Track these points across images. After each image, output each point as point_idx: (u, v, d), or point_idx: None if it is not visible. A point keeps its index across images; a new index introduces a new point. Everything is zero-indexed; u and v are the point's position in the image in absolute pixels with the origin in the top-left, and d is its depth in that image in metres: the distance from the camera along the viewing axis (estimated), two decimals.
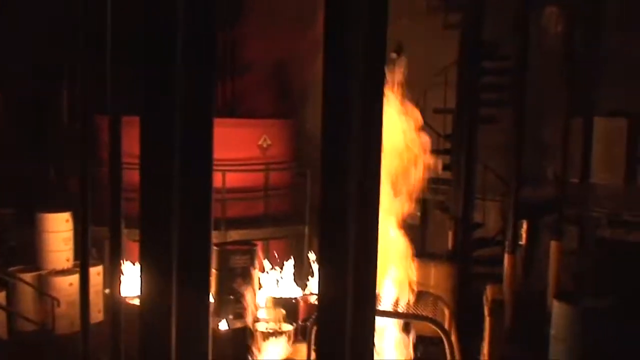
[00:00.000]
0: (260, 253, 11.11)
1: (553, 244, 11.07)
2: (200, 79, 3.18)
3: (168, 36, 3.13)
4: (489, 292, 6.33)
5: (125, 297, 8.46)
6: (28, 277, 11.37)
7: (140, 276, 2.92)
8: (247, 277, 10.14)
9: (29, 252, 11.95)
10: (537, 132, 11.71)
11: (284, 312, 10.32)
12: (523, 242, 11.49)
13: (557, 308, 8.14)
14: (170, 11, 3.22)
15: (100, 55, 6.68)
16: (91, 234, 7.05)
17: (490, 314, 6.00)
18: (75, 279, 11.24)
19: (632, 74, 10.81)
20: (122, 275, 6.74)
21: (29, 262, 11.75)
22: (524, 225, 11.49)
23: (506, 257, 10.83)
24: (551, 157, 11.57)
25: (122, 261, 6.62)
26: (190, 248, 3.05)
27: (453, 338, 6.71)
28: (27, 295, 11.27)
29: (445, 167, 11.42)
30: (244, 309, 9.87)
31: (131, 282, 10.09)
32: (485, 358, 6.00)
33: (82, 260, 7.06)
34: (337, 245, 3.33)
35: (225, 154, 11.85)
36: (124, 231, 6.49)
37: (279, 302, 10.75)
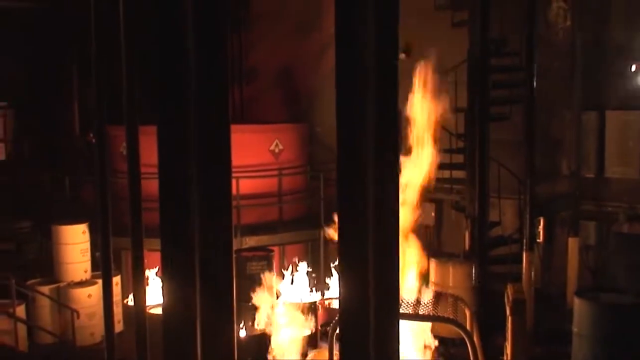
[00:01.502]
0: (276, 258, 11.09)
1: (571, 240, 11.00)
2: (214, 85, 3.18)
3: (180, 45, 3.13)
4: (509, 291, 6.28)
5: (146, 307, 8.47)
6: (46, 289, 11.42)
7: (163, 285, 2.91)
8: (264, 283, 10.12)
9: (47, 264, 12.00)
10: (549, 128, 11.65)
11: (302, 317, 10.29)
12: (540, 239, 11.42)
13: (578, 305, 8.07)
14: (182, 20, 3.22)
15: (113, 66, 6.70)
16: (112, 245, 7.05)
17: (513, 313, 5.95)
18: (93, 290, 11.29)
19: None
20: (145, 284, 6.75)
21: (47, 275, 11.80)
22: (541, 222, 11.42)
23: (524, 255, 10.75)
24: (565, 152, 11.50)
25: (144, 271, 6.63)
26: (212, 256, 3.05)
27: (475, 338, 6.67)
28: (45, 308, 11.32)
29: (459, 166, 11.37)
30: (262, 315, 9.86)
31: (151, 291, 10.11)
32: (509, 358, 5.96)
33: (104, 271, 7.07)
34: (357, 249, 3.30)
35: (238, 161, 11.78)
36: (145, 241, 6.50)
37: (297, 307, 10.72)
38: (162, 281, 2.97)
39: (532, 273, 10.60)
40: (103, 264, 7.02)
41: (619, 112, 11.18)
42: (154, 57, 3.12)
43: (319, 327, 9.86)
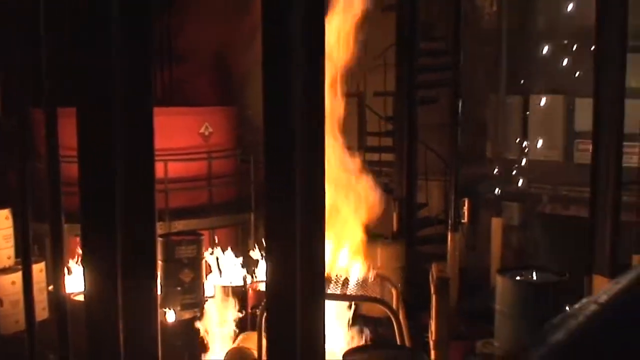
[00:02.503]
0: (206, 242, 11.02)
1: (494, 221, 11.30)
2: (138, 66, 3.13)
3: (103, 24, 3.07)
4: (434, 270, 6.43)
5: (71, 294, 8.30)
6: None
7: (84, 272, 2.87)
8: (194, 267, 10.05)
9: None
10: (475, 112, 11.90)
11: (232, 300, 10.27)
12: (465, 220, 11.70)
13: (500, 283, 8.31)
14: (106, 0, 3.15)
15: (34, 46, 6.50)
16: (32, 231, 6.88)
17: (437, 292, 6.10)
18: (17, 277, 10.97)
19: (564, 52, 11.06)
20: (65, 271, 6.61)
21: None
22: (466, 204, 11.69)
23: (449, 235, 11.01)
24: (490, 135, 11.78)
25: (64, 257, 6.49)
26: (135, 241, 3.02)
27: (401, 317, 6.80)
28: None
29: (388, 149, 11.52)
30: (191, 299, 9.79)
31: (75, 278, 9.90)
32: (433, 336, 6.11)
33: (24, 258, 6.90)
34: (284, 232, 3.33)
35: (166, 143, 11.69)
36: (65, 226, 6.35)
37: (227, 291, 10.69)
38: (83, 267, 2.92)
39: (457, 253, 10.87)
40: (23, 251, 6.85)
41: (542, 96, 11.51)
42: (76, 37, 3.05)
43: (249, 311, 9.87)
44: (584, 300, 1.13)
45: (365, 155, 12.46)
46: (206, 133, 13.70)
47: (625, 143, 7.66)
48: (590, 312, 1.09)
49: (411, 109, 10.84)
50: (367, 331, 8.37)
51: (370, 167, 12.43)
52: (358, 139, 12.82)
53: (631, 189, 8.33)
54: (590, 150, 7.77)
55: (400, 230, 10.82)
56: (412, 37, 10.82)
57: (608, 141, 7.43)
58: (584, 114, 10.08)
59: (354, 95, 12.31)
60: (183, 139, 13.11)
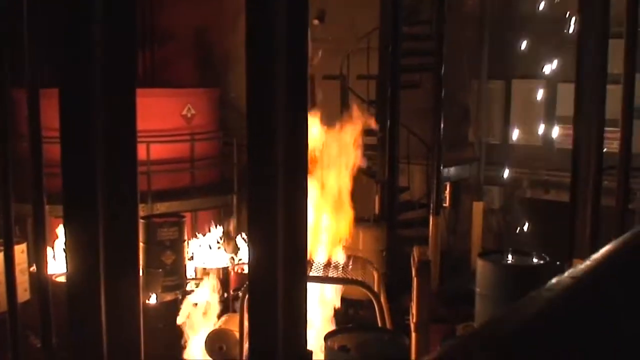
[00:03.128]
0: (188, 224, 11.02)
1: (475, 205, 11.39)
2: (120, 46, 3.11)
3: (85, 3, 3.04)
4: (415, 253, 6.48)
5: (52, 275, 8.27)
6: None
7: (66, 253, 2.87)
8: (176, 249, 10.06)
9: None
10: (458, 96, 11.94)
11: (215, 282, 10.29)
12: (447, 204, 11.77)
13: (481, 266, 8.40)
14: None
15: (16, 25, 6.43)
16: (13, 212, 6.84)
17: (418, 275, 6.15)
18: None
19: (547, 37, 11.11)
20: (47, 252, 6.59)
21: None
22: (447, 187, 11.76)
23: (431, 218, 11.09)
24: (472, 120, 11.83)
25: (46, 238, 6.47)
26: (117, 222, 3.02)
27: (382, 300, 6.85)
28: None
29: (370, 133, 11.53)
30: (173, 281, 9.81)
31: (58, 259, 9.86)
32: (414, 318, 6.17)
33: (6, 239, 6.87)
34: (267, 214, 3.34)
35: (149, 125, 11.62)
36: (47, 208, 6.33)
37: (210, 273, 10.70)
38: (65, 249, 2.91)
39: (439, 236, 10.94)
40: (5, 231, 6.81)
41: (524, 80, 11.57)
42: (58, 16, 3.02)
43: (231, 292, 9.90)
44: (563, 275, 1.15)
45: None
46: (189, 115, 13.65)
47: (606, 128, 7.73)
48: (564, 286, 1.11)
49: (394, 93, 10.85)
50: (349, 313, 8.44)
51: None
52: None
53: (611, 174, 8.41)
54: (571, 136, 7.84)
55: (382, 214, 10.87)
56: (396, 21, 10.82)
57: (589, 126, 7.49)
58: (566, 99, 10.15)
59: (337, 78, 12.31)
60: (165, 121, 13.05)
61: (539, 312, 1.02)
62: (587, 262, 1.25)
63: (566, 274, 1.02)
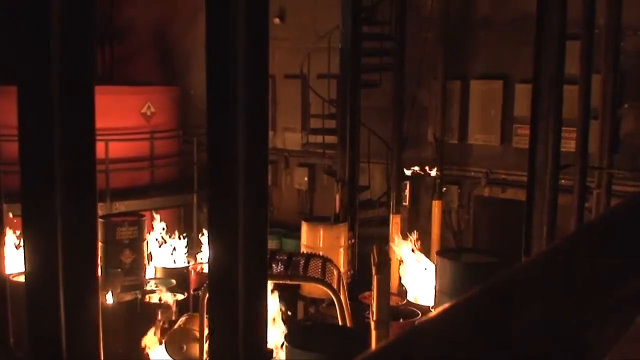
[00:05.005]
0: (148, 223, 10.92)
1: (434, 204, 11.49)
2: (78, 43, 3.08)
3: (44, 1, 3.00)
4: (375, 251, 6.53)
5: (10, 275, 8.13)
6: None
7: (25, 253, 2.83)
8: (135, 248, 9.97)
9: None
10: (417, 96, 12.03)
11: (174, 282, 10.24)
12: (406, 202, 11.86)
13: (440, 264, 8.50)
14: None
15: None
16: None
17: (378, 273, 6.21)
18: None
19: (505, 38, 11.26)
20: (4, 251, 6.47)
21: None
22: (407, 187, 11.85)
23: (391, 217, 11.17)
24: (431, 120, 11.93)
25: (4, 237, 6.36)
26: (75, 222, 2.98)
27: (343, 298, 6.89)
28: None
29: (331, 132, 11.58)
30: (132, 281, 9.72)
31: (16, 258, 9.70)
32: (374, 316, 6.22)
33: None
34: (227, 213, 3.34)
35: (108, 123, 11.48)
36: (5, 206, 6.22)
37: (170, 273, 10.64)
38: (24, 248, 2.88)
39: (398, 235, 11.04)
40: None
41: (482, 81, 11.70)
42: (15, 13, 2.98)
43: (192, 292, 9.85)
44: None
45: (309, 138, 12.51)
46: (148, 113, 13.53)
47: (563, 128, 7.86)
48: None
49: (354, 92, 10.91)
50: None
51: (314, 149, 12.54)
52: (302, 121, 12.85)
53: (568, 173, 8.56)
54: (529, 135, 7.95)
55: (343, 213, 10.92)
56: (356, 20, 10.87)
57: (546, 126, 7.61)
58: (523, 99, 10.30)
59: (298, 77, 12.33)
60: (125, 119, 12.92)
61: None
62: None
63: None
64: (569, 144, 9.10)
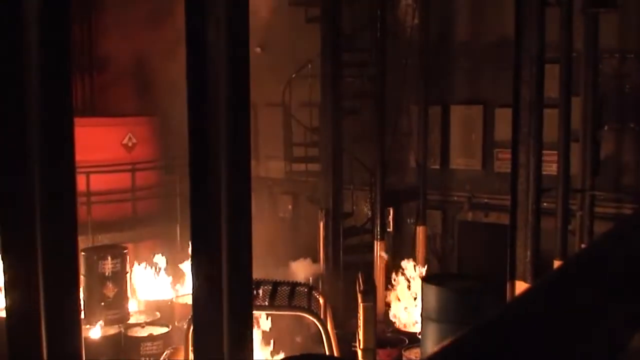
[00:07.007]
0: (131, 256, 10.82)
1: (419, 229, 11.50)
2: (56, 74, 3.05)
3: (19, 23, 2.98)
4: (360, 279, 6.50)
5: None
6: None
7: (5, 287, 2.78)
8: (117, 281, 9.85)
9: None
10: (398, 122, 12.09)
11: (158, 314, 10.12)
12: (390, 228, 11.86)
13: (424, 290, 8.45)
14: (23, 7, 3.07)
15: None
16: None
17: (364, 300, 6.17)
18: None
19: (484, 63, 11.37)
20: None
21: None
22: (391, 212, 11.86)
23: (375, 244, 11.15)
24: (413, 145, 11.98)
25: None
26: (56, 256, 2.94)
27: (329, 327, 6.83)
28: None
29: (314, 159, 11.59)
30: (115, 314, 9.59)
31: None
32: (361, 344, 6.17)
33: None
34: (210, 244, 3.31)
35: (88, 155, 11.41)
36: None
37: (153, 305, 10.52)
38: (4, 283, 2.83)
39: (383, 261, 11.01)
40: None
41: (462, 106, 11.79)
42: None
43: (176, 324, 9.74)
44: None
45: (292, 166, 12.51)
46: (129, 144, 13.46)
47: (544, 151, 7.91)
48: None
49: (336, 120, 10.94)
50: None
51: (297, 178, 12.52)
52: (284, 150, 12.85)
53: (550, 196, 8.60)
54: (510, 159, 7.99)
55: (327, 240, 10.89)
56: (337, 48, 10.93)
57: (527, 150, 7.65)
58: (503, 123, 10.38)
59: (280, 106, 12.36)
60: (106, 151, 12.84)
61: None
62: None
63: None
64: (550, 167, 9.16)
